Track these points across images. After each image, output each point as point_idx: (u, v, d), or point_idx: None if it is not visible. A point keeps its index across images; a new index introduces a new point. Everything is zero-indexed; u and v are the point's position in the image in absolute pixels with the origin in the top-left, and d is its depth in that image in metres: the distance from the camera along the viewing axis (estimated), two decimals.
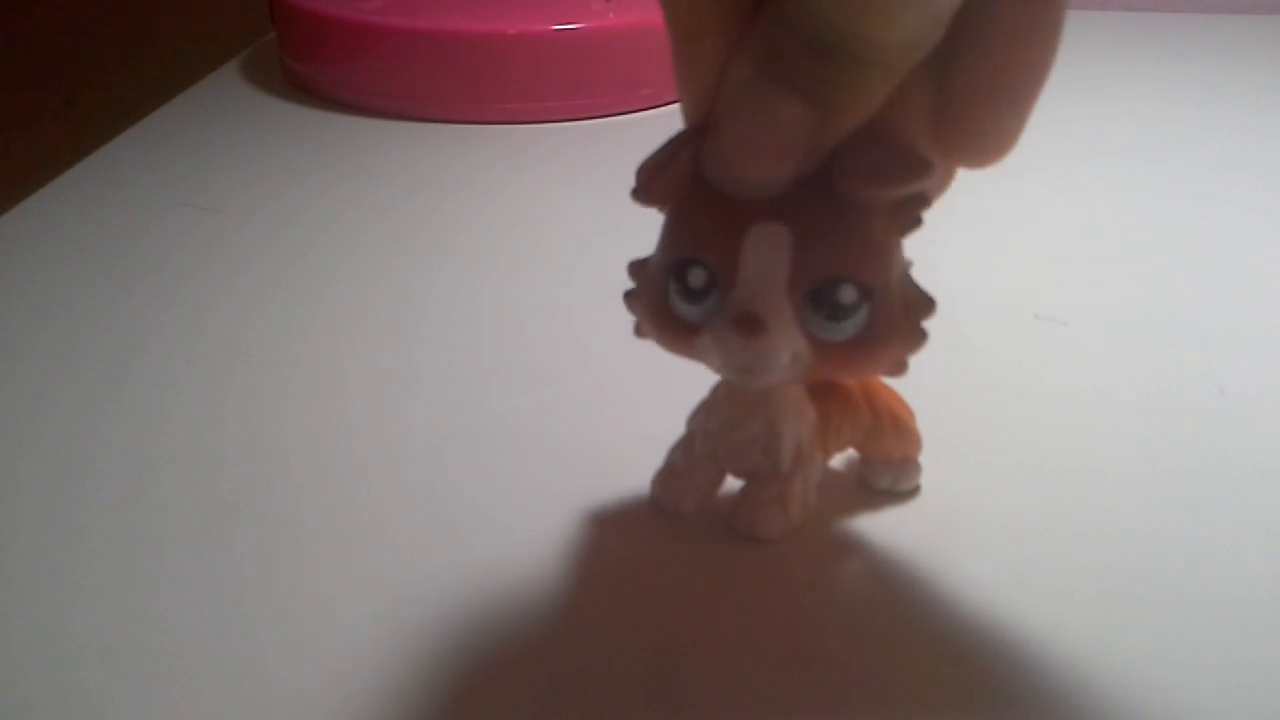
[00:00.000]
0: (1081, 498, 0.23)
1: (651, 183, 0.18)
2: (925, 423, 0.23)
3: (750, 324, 0.17)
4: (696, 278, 0.18)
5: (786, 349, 0.17)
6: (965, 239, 0.34)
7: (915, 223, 0.18)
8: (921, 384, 0.21)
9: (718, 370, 0.19)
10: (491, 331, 0.30)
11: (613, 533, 0.22)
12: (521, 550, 0.22)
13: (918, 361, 0.19)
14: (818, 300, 0.17)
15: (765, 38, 0.16)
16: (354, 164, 0.42)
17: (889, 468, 0.23)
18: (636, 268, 0.19)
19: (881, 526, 0.22)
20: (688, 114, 0.18)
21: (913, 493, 0.23)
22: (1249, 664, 0.19)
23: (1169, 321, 0.31)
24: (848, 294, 0.17)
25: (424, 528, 0.22)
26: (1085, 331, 0.30)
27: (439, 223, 0.37)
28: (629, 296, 0.19)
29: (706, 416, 0.21)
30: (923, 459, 0.23)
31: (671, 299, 0.18)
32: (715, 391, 0.21)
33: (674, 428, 0.22)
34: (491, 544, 0.22)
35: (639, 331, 0.20)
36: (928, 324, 0.18)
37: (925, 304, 0.18)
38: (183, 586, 0.21)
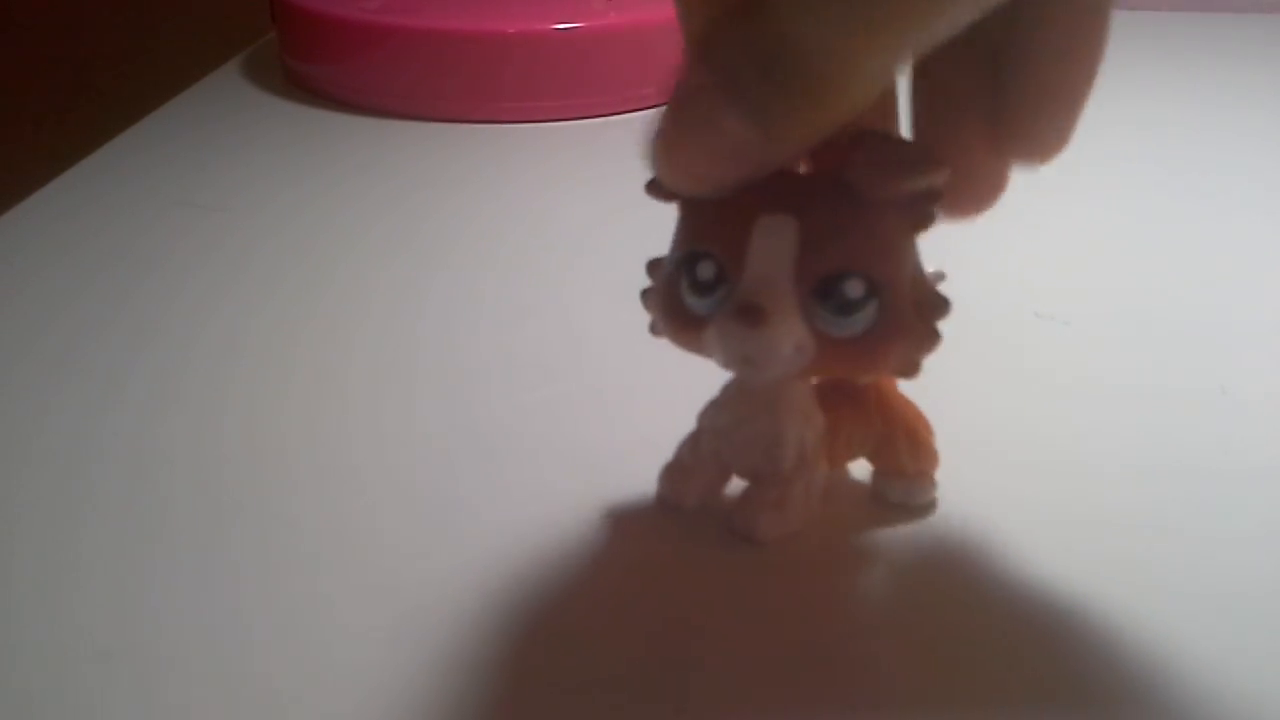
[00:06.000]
0: (1081, 497, 0.23)
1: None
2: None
3: (752, 313, 0.17)
4: (705, 270, 0.18)
5: (789, 339, 0.17)
6: (966, 238, 0.34)
7: (927, 219, 0.18)
8: (921, 383, 0.21)
9: (723, 363, 0.19)
10: (493, 330, 0.30)
11: (615, 533, 0.22)
12: (522, 550, 0.21)
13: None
14: (825, 293, 0.17)
15: (725, 47, 0.16)
16: (354, 163, 0.42)
17: (901, 481, 0.22)
18: (654, 265, 0.20)
19: (884, 528, 0.22)
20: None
21: (928, 508, 0.23)
22: (1247, 664, 0.19)
23: (1170, 321, 0.31)
24: (854, 287, 0.17)
25: (425, 527, 0.22)
26: (1086, 331, 0.30)
27: (439, 222, 0.37)
28: (646, 294, 0.20)
29: (715, 413, 0.21)
30: None
31: (682, 292, 0.18)
32: (726, 389, 0.21)
33: (676, 426, 0.22)
34: (492, 544, 0.22)
35: (655, 329, 0.20)
36: (941, 325, 0.18)
37: (940, 305, 0.18)
38: (181, 587, 0.21)
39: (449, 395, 0.27)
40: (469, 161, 0.42)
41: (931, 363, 0.19)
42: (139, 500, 0.23)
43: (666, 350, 0.19)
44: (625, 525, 0.22)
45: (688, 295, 0.18)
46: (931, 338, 0.18)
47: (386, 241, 0.36)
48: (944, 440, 0.23)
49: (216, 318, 0.31)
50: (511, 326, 0.30)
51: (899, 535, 0.22)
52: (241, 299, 0.32)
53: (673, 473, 0.22)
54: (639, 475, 0.23)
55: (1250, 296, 0.32)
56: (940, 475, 0.23)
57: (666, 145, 0.17)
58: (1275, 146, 0.45)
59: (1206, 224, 0.37)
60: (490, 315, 0.31)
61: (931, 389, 0.22)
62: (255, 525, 0.22)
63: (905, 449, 0.22)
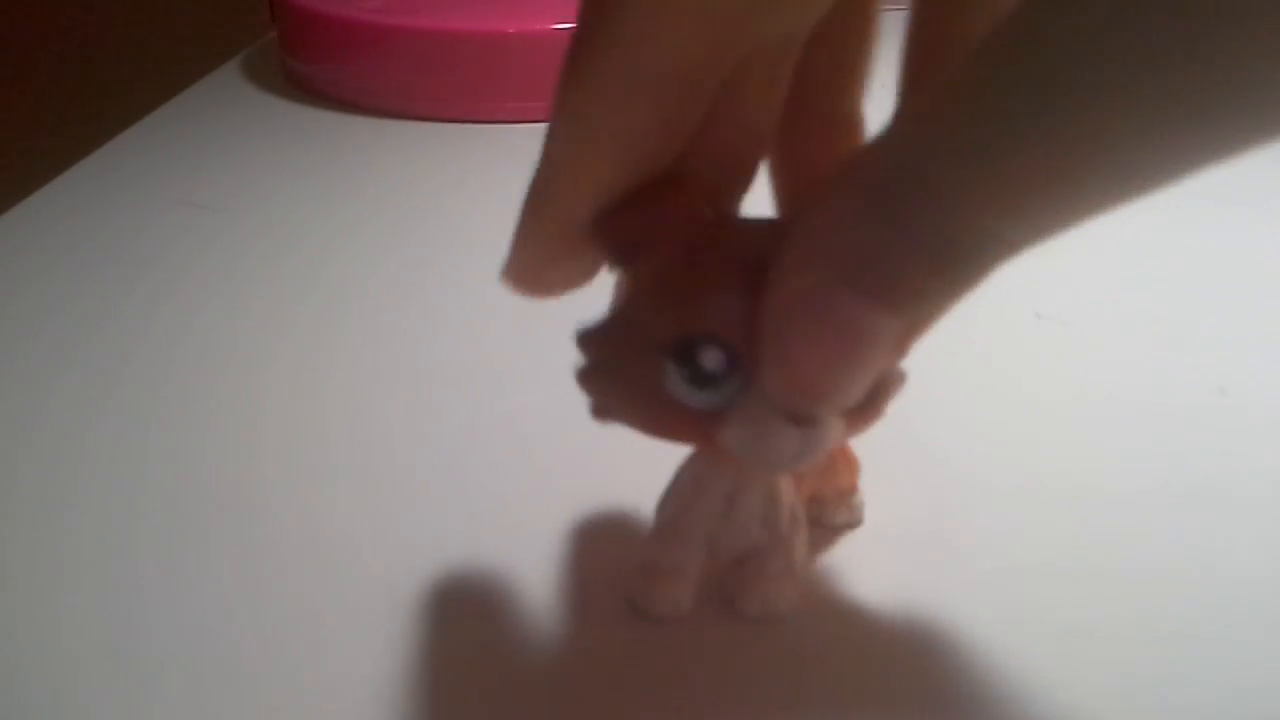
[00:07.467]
0: (1081, 496, 0.23)
1: (638, 254, 0.16)
2: (923, 422, 0.23)
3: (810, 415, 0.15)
4: (713, 359, 0.15)
5: (840, 427, 0.16)
6: None
7: None
8: (919, 383, 0.21)
9: (751, 462, 0.16)
10: (493, 330, 0.30)
11: (608, 536, 0.22)
12: (513, 553, 0.22)
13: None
14: None
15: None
16: (354, 163, 0.42)
17: (844, 501, 0.22)
18: (595, 340, 0.16)
19: (863, 553, 0.22)
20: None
21: (858, 521, 0.22)
22: (1246, 664, 0.19)
23: (1169, 321, 0.31)
24: None
25: (425, 522, 0.22)
26: (1085, 331, 0.30)
27: (439, 222, 0.37)
28: (588, 375, 0.16)
29: (696, 502, 0.19)
30: (924, 458, 0.23)
31: (673, 385, 0.15)
32: (691, 472, 0.19)
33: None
34: (489, 546, 0.22)
35: (602, 414, 0.17)
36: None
37: None
38: (170, 584, 0.21)
39: (447, 395, 0.27)
40: (469, 161, 0.42)
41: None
42: (132, 499, 0.23)
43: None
44: (619, 527, 0.22)
45: (685, 389, 0.15)
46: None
47: (386, 241, 0.36)
48: (944, 438, 0.23)
49: (217, 317, 0.31)
50: (512, 326, 0.30)
51: (883, 543, 0.22)
52: (241, 299, 0.32)
53: (654, 581, 0.20)
54: (638, 478, 0.23)
55: (1250, 297, 0.32)
56: (940, 473, 0.23)
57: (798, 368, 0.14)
58: (1276, 146, 0.45)
59: (1206, 224, 0.37)
60: (490, 315, 0.31)
61: (931, 388, 0.22)
62: (259, 522, 0.22)
63: (844, 469, 0.21)
